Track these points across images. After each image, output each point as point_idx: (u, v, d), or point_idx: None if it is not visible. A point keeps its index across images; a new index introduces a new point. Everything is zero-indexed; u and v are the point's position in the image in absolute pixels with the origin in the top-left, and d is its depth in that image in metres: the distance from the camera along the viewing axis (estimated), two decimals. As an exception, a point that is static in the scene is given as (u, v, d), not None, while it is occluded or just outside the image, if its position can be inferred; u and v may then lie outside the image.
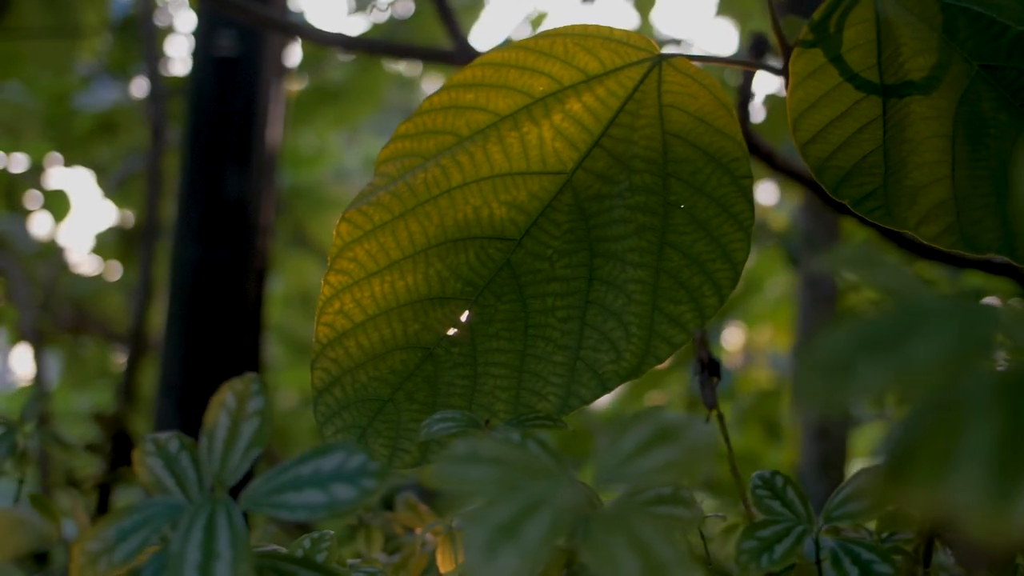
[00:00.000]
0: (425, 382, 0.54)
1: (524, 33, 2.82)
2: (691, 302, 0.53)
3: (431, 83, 3.13)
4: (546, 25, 2.73)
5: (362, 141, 3.21)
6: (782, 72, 0.62)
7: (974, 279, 1.52)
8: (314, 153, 2.71)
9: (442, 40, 2.27)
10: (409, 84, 3.01)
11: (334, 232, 0.55)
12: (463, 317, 0.55)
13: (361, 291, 0.55)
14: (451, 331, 0.54)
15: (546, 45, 0.57)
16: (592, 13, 2.68)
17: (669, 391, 2.45)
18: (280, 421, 2.37)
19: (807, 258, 1.79)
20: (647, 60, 0.56)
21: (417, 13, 2.41)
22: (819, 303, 1.84)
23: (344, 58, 2.41)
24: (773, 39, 0.62)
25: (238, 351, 1.38)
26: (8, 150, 2.36)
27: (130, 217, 2.51)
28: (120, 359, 2.53)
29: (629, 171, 0.55)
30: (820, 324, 1.82)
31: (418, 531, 0.68)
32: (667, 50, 0.64)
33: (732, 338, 3.03)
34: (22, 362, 3.66)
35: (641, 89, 0.56)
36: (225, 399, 0.40)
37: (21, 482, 0.69)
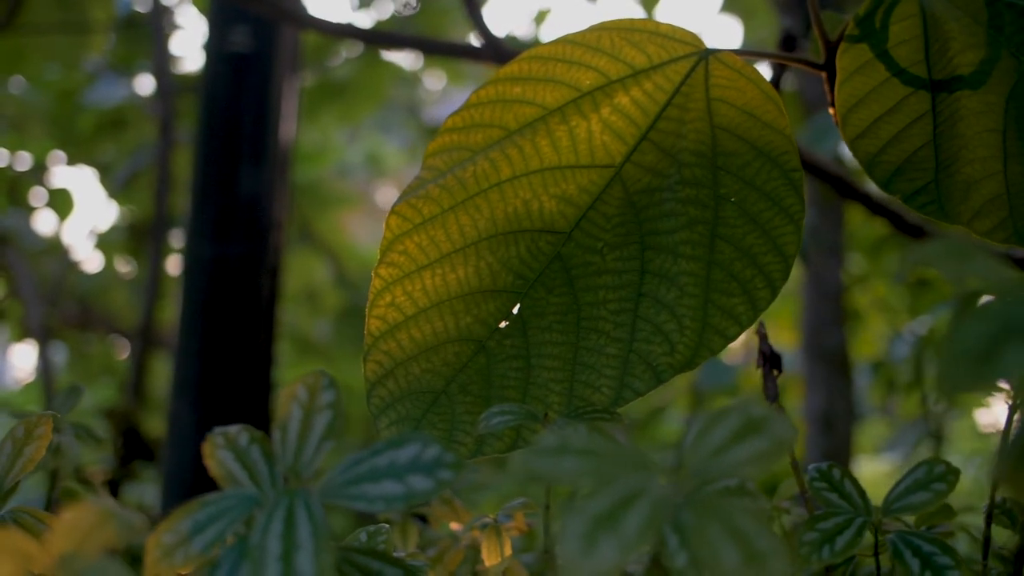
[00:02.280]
0: (478, 375, 0.54)
1: (526, 31, 2.81)
2: (743, 295, 0.53)
3: (432, 79, 3.13)
4: (548, 24, 2.73)
5: (364, 137, 3.20)
6: (824, 67, 0.62)
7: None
8: (317, 150, 2.71)
9: (445, 36, 2.27)
10: (411, 80, 3.00)
11: (384, 225, 0.55)
12: (515, 310, 0.55)
13: (412, 284, 0.55)
14: (503, 324, 0.54)
15: (593, 39, 0.57)
16: (595, 10, 2.68)
17: (672, 389, 2.45)
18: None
19: (813, 253, 1.79)
20: (694, 54, 0.56)
21: (422, 11, 2.41)
22: (824, 299, 1.84)
23: (349, 54, 2.41)
24: (813, 34, 0.62)
25: (252, 348, 1.37)
26: (13, 148, 2.35)
27: (137, 213, 2.50)
28: (125, 355, 2.52)
29: (679, 164, 0.55)
30: (826, 321, 1.83)
31: (454, 526, 0.68)
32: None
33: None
34: (25, 358, 3.65)
35: (688, 83, 0.56)
36: (296, 392, 0.40)
37: (55, 476, 0.69)
